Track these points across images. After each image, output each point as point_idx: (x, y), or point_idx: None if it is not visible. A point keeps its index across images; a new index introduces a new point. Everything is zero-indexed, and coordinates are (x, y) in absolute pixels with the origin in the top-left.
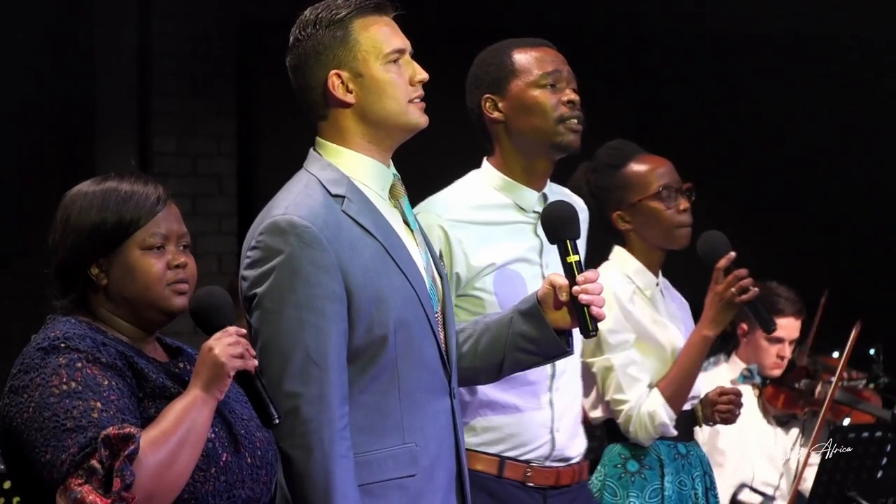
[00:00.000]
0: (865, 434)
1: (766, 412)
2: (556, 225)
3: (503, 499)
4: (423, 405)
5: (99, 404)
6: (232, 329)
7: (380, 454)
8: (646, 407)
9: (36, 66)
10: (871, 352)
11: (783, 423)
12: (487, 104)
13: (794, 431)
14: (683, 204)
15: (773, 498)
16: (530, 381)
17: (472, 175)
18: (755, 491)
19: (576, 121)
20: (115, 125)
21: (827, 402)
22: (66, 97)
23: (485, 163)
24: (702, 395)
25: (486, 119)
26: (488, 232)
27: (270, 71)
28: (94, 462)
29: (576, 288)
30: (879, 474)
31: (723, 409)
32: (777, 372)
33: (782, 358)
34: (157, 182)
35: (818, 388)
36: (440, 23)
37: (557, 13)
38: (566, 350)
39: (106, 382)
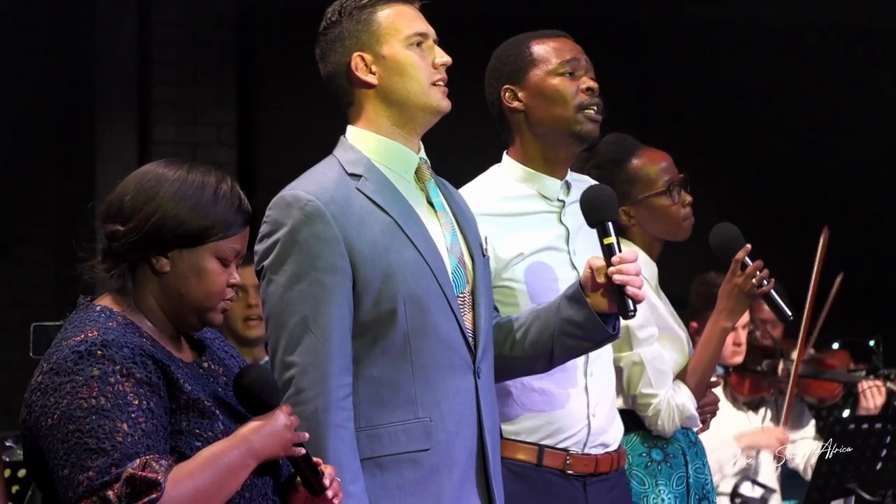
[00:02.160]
0: (865, 426)
1: (734, 400)
2: (595, 208)
3: (543, 488)
4: (438, 381)
5: (126, 426)
6: (285, 413)
7: (391, 427)
8: (675, 400)
9: (36, 54)
10: (871, 343)
11: (754, 406)
12: (507, 95)
13: (763, 411)
14: (687, 198)
15: (773, 490)
16: (564, 368)
17: (494, 169)
18: (757, 483)
19: (595, 109)
20: (115, 113)
21: (792, 379)
22: (66, 85)
23: (505, 156)
24: None
25: (505, 110)
26: (514, 223)
27: (270, 59)
28: (111, 494)
29: (611, 269)
30: (879, 466)
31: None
32: (737, 359)
33: (738, 345)
34: (242, 193)
35: (780, 366)
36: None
37: (555, 5)
38: (611, 334)
39: (136, 402)
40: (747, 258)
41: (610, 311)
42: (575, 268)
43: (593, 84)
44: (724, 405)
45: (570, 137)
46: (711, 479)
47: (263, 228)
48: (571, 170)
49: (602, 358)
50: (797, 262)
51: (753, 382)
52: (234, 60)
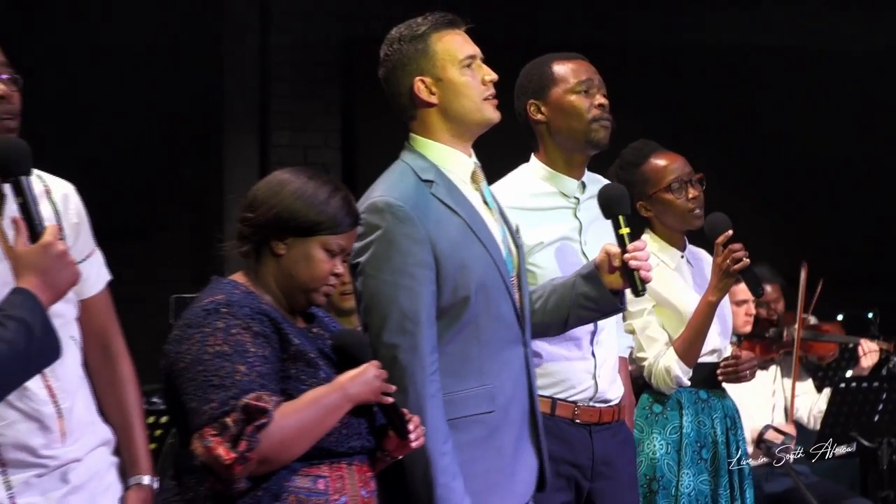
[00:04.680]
0: (865, 385)
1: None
2: (611, 203)
3: (556, 433)
4: (499, 353)
5: (243, 368)
6: (375, 366)
7: (462, 394)
8: (662, 363)
9: (175, 72)
10: (869, 315)
11: (764, 367)
12: (532, 108)
13: (773, 369)
14: (692, 192)
15: (792, 437)
16: (576, 337)
17: (522, 168)
18: (778, 431)
19: (606, 121)
20: (239, 121)
21: (797, 340)
22: (200, 98)
23: (532, 158)
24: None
25: (531, 121)
26: (538, 216)
27: (368, 77)
28: (230, 421)
29: (627, 255)
30: (876, 418)
31: (721, 371)
32: (748, 328)
33: (750, 315)
34: (353, 201)
35: (785, 333)
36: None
37: (588, 31)
38: (619, 307)
39: (253, 350)
40: (730, 242)
41: (621, 289)
42: (585, 256)
43: (604, 101)
44: None
45: (585, 144)
46: (732, 434)
47: (359, 230)
48: (607, 171)
49: (606, 329)
50: (809, 248)
51: (763, 347)
52: (338, 78)
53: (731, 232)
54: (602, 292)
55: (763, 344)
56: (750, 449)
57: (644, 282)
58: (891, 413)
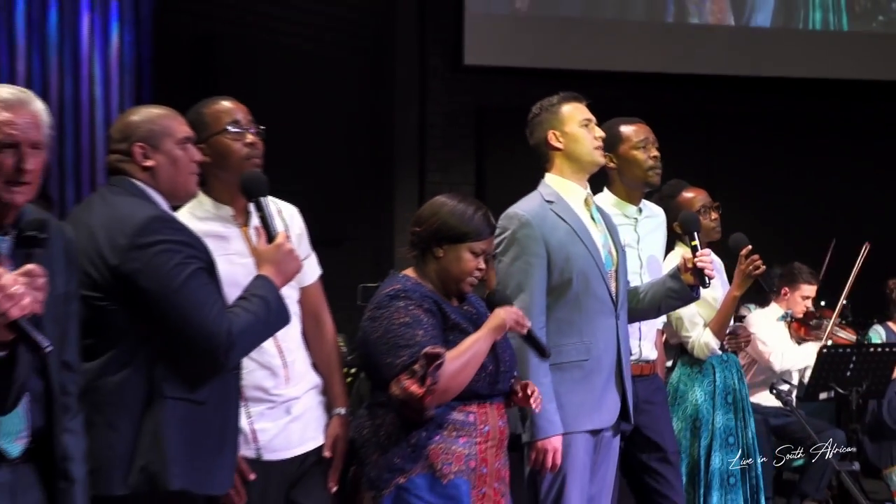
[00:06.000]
0: (840, 351)
1: (791, 335)
2: (686, 225)
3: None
4: (595, 321)
5: (420, 332)
6: (515, 307)
7: (566, 346)
8: (703, 339)
9: (362, 129)
10: (845, 302)
11: (799, 343)
12: (606, 158)
13: (806, 345)
14: (713, 215)
15: (795, 386)
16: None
17: (600, 196)
18: (786, 382)
19: (658, 169)
20: (405, 164)
21: (828, 332)
22: (378, 148)
23: (605, 189)
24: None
25: (607, 168)
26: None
27: (494, 135)
28: (417, 367)
29: (696, 260)
30: (848, 374)
31: (727, 342)
32: (800, 315)
33: (807, 308)
34: (491, 217)
35: (822, 324)
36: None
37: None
38: (695, 297)
39: (425, 319)
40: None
41: (694, 284)
42: (640, 258)
43: (657, 154)
44: (787, 337)
45: (642, 184)
46: (739, 382)
47: (497, 231)
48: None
49: None
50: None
51: (805, 329)
52: (473, 136)
53: (750, 247)
54: (682, 286)
55: (805, 328)
56: (762, 395)
57: (709, 278)
58: (858, 371)
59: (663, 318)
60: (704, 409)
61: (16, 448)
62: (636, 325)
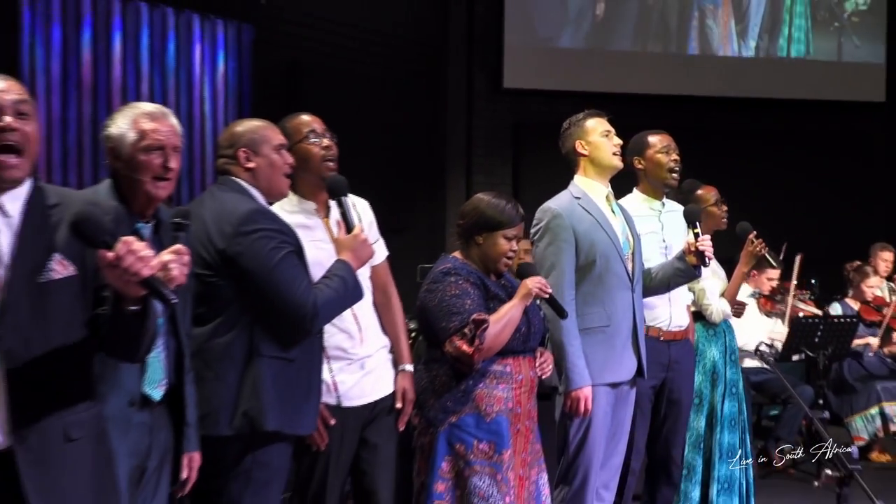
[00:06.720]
0: (811, 320)
1: (759, 309)
2: (689, 216)
3: (650, 346)
4: (615, 292)
5: (469, 301)
6: (538, 277)
7: (591, 315)
8: (720, 307)
9: (419, 138)
10: (813, 281)
11: (767, 315)
12: (636, 161)
13: (773, 318)
14: (724, 207)
15: (777, 350)
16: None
17: (629, 197)
18: (768, 346)
19: (678, 171)
20: (454, 169)
21: (789, 306)
22: (432, 154)
23: (635, 189)
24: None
25: (635, 168)
26: (638, 220)
27: (529, 145)
28: (466, 330)
29: (698, 244)
30: (816, 339)
31: (734, 311)
32: (767, 292)
33: (772, 287)
34: (520, 207)
35: (785, 299)
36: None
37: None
38: (696, 275)
39: (472, 291)
40: (752, 237)
41: (697, 265)
42: (664, 242)
43: (677, 157)
44: (756, 311)
45: (664, 184)
46: (736, 345)
47: (534, 221)
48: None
49: (677, 290)
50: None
51: (770, 304)
52: (511, 146)
53: (755, 232)
54: (687, 267)
55: (770, 302)
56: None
57: (709, 259)
58: (824, 336)
59: (691, 294)
60: (720, 364)
61: (158, 393)
62: (666, 296)
